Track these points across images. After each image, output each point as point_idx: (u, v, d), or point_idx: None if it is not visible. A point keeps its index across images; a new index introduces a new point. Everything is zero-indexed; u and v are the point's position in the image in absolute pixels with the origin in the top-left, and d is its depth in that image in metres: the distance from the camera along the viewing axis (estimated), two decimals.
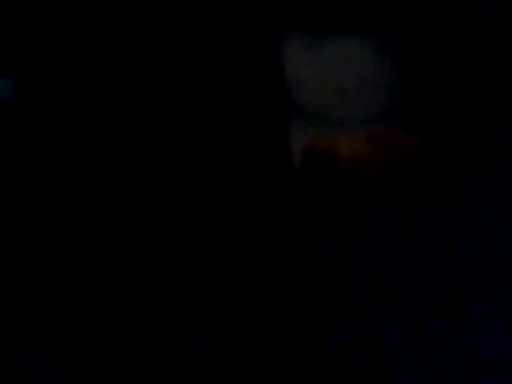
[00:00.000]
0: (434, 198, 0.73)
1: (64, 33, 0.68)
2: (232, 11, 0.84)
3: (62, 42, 0.68)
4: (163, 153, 0.75)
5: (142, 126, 0.74)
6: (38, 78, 0.67)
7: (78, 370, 0.33)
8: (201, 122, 0.80)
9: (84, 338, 0.36)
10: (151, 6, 0.75)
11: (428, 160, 0.76)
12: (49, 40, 0.68)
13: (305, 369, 0.31)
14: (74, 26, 0.69)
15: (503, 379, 0.28)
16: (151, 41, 0.76)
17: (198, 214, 0.65)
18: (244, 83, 0.84)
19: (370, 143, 0.74)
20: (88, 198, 0.65)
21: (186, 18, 0.80)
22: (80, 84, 0.70)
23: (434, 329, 0.33)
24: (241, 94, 0.84)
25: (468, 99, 1.05)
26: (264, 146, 0.83)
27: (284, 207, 0.68)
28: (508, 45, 1.03)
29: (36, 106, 0.66)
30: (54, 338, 0.37)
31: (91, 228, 0.60)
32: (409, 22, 0.99)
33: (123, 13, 0.72)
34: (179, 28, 0.79)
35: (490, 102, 1.05)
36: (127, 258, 0.53)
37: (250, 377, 0.30)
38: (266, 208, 0.68)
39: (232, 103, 0.84)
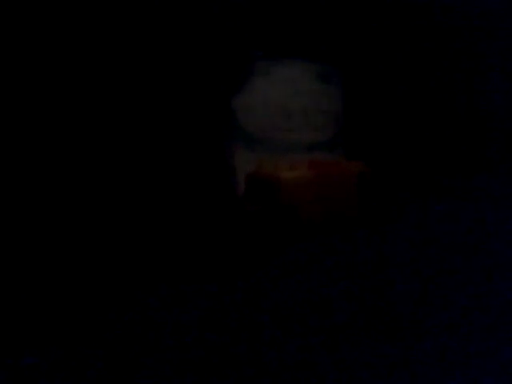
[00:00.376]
0: (375, 223, 0.74)
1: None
2: (180, 37, 0.84)
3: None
4: (102, 171, 0.74)
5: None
6: None
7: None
8: (145, 145, 0.79)
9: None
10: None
11: (370, 186, 0.77)
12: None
13: None
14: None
15: None
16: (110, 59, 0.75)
17: (135, 236, 0.64)
18: (189, 107, 0.83)
19: (313, 169, 0.75)
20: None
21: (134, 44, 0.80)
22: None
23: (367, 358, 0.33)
24: (186, 118, 0.83)
25: (409, 127, 1.09)
26: (208, 170, 0.83)
27: (226, 232, 0.68)
28: (444, 73, 1.08)
29: None
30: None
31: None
32: (351, 53, 1.02)
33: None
34: (130, 49, 0.79)
35: (429, 128, 1.09)
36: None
37: None
38: (207, 233, 0.67)
39: (177, 126, 0.83)
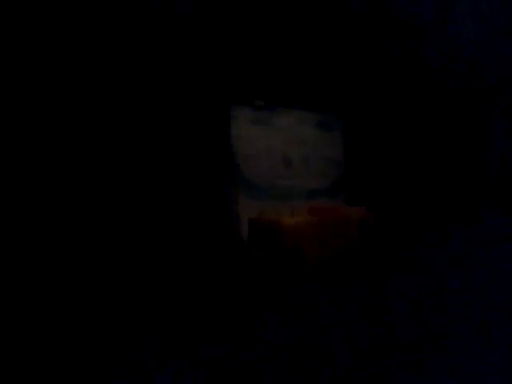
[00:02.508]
0: (376, 268, 0.74)
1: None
2: (184, 87, 0.87)
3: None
4: (114, 217, 0.75)
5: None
6: None
7: None
8: (153, 195, 0.80)
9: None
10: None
11: (370, 232, 0.78)
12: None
13: None
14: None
15: None
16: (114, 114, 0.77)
17: (145, 280, 0.64)
18: (194, 156, 0.85)
19: (315, 216, 0.76)
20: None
21: (141, 92, 0.82)
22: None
23: None
24: (190, 166, 0.85)
25: (410, 174, 1.10)
26: (213, 217, 0.84)
27: (231, 277, 0.68)
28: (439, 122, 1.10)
29: None
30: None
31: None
32: (351, 101, 1.05)
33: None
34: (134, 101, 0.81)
35: (429, 174, 1.11)
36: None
37: None
38: (212, 277, 0.68)
39: (183, 175, 0.85)
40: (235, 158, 0.89)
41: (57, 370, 0.42)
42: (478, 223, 0.92)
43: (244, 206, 0.88)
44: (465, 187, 1.07)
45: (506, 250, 0.80)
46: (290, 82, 0.99)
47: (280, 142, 0.95)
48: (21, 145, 0.69)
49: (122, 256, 0.72)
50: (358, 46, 1.05)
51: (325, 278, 0.68)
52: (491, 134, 1.05)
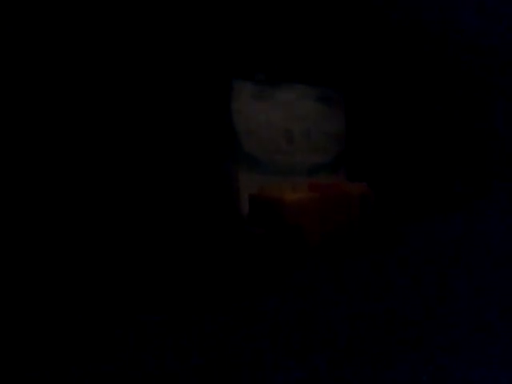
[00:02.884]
0: (377, 244, 0.74)
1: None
2: (184, 61, 0.85)
3: None
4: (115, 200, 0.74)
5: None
6: None
7: None
8: (151, 169, 0.80)
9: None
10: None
11: (371, 207, 0.78)
12: None
13: None
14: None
15: None
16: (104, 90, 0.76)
17: (137, 258, 0.64)
18: (194, 131, 0.84)
19: (316, 192, 0.75)
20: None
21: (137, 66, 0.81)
22: None
23: (370, 373, 0.33)
24: (191, 142, 0.84)
25: (411, 148, 1.09)
26: (212, 192, 0.83)
27: (231, 253, 0.68)
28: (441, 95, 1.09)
29: None
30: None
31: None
32: (353, 75, 1.03)
33: None
34: (134, 74, 0.80)
35: (431, 149, 1.10)
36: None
37: None
38: (212, 255, 0.67)
39: (183, 150, 0.84)
40: (236, 133, 0.88)
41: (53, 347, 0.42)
42: (480, 198, 0.92)
43: (245, 182, 0.87)
44: (467, 164, 1.07)
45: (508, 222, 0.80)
46: (292, 55, 0.98)
47: (281, 117, 0.94)
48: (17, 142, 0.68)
49: (119, 230, 0.72)
50: (359, 17, 1.03)
51: (326, 255, 0.68)
52: (492, 112, 1.04)
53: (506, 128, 1.03)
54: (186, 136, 0.82)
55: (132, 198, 0.76)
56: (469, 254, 0.68)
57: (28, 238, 0.66)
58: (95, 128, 0.73)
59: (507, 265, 0.61)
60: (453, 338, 0.41)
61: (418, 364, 0.36)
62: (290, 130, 0.94)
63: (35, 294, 0.54)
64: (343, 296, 0.52)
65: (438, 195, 1.06)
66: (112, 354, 0.40)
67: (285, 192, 0.73)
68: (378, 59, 1.05)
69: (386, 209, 0.83)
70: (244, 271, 0.60)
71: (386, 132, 1.10)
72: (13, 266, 0.62)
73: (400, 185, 1.08)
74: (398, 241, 0.77)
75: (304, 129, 0.96)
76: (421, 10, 1.07)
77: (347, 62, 1.03)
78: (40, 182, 0.68)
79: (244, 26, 0.94)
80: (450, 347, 0.39)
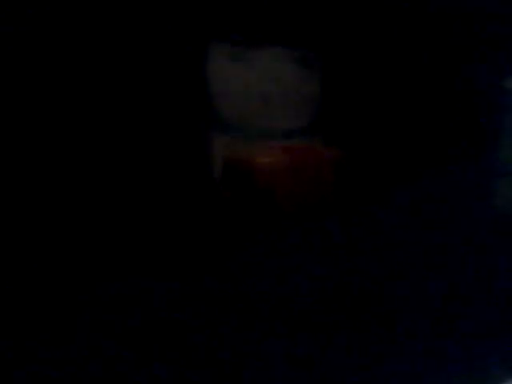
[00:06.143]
0: (351, 208, 0.74)
1: None
2: (158, 21, 0.83)
3: None
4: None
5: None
6: None
7: None
8: (121, 131, 0.78)
9: None
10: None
11: (346, 172, 0.78)
12: None
13: None
14: None
15: None
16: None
17: (106, 224, 0.63)
18: (165, 93, 0.82)
19: (289, 155, 0.74)
20: None
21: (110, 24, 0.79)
22: None
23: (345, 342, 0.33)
24: (162, 103, 0.83)
25: (389, 113, 1.09)
26: (184, 155, 0.82)
27: (202, 218, 0.68)
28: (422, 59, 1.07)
29: None
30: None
31: None
32: (330, 37, 1.01)
33: None
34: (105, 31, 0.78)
35: (409, 115, 1.09)
36: None
37: None
38: (183, 219, 0.67)
39: (154, 111, 0.82)
40: (210, 96, 0.86)
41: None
42: (457, 166, 0.91)
43: (219, 146, 0.86)
44: (448, 132, 1.06)
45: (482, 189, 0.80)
46: (268, 16, 0.95)
47: (257, 80, 0.92)
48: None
49: (92, 194, 0.71)
50: None
51: (297, 219, 0.68)
52: (474, 72, 1.03)
53: (490, 89, 1.02)
54: (157, 97, 0.80)
55: (102, 159, 0.74)
56: (441, 216, 0.68)
57: None
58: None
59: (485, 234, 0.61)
60: (426, 304, 0.41)
61: (393, 330, 0.35)
62: (265, 93, 0.92)
63: None
64: (310, 256, 0.52)
65: (420, 157, 1.06)
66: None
67: (256, 154, 0.72)
68: (356, 21, 1.03)
69: (362, 172, 0.83)
70: (210, 235, 0.60)
71: (364, 96, 1.09)
72: None
73: (379, 148, 1.07)
74: (371, 203, 0.77)
75: (280, 92, 0.94)
76: None
77: (325, 22, 1.01)
78: None
79: None
80: (422, 315, 0.39)
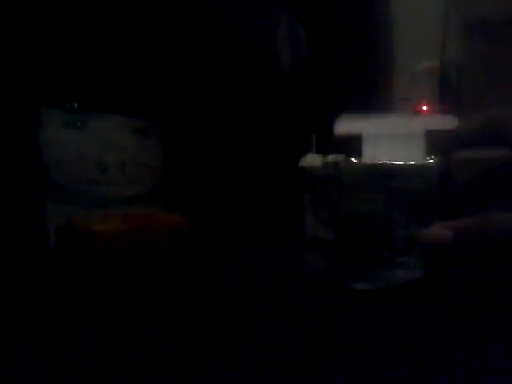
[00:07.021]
0: (192, 272, 0.75)
1: None
2: None
3: None
4: None
5: None
6: None
7: None
8: None
9: None
10: None
11: (185, 238, 0.79)
12: None
13: None
14: None
15: None
16: None
17: None
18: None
19: (126, 222, 0.74)
20: None
21: None
22: None
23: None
24: None
25: (227, 178, 1.14)
26: (16, 224, 0.77)
27: (38, 285, 0.65)
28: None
29: None
30: None
31: None
32: (169, 107, 1.05)
33: None
34: None
35: (248, 181, 1.15)
36: None
37: None
38: (16, 286, 0.63)
39: None
40: (43, 163, 0.83)
41: None
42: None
43: (53, 213, 0.82)
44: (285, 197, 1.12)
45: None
46: (106, 84, 0.96)
47: (95, 147, 0.92)
48: None
49: None
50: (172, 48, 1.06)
51: (138, 286, 0.67)
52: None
53: None
54: None
55: None
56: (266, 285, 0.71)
57: None
58: None
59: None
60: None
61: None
62: (103, 161, 0.92)
63: None
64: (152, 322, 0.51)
65: (257, 225, 1.11)
66: None
67: (94, 223, 0.70)
68: (195, 91, 1.09)
69: (202, 238, 0.85)
70: (51, 301, 0.57)
71: (205, 162, 1.13)
72: None
73: (219, 214, 1.11)
74: (213, 268, 0.79)
75: (119, 160, 0.94)
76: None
77: (162, 94, 1.05)
78: None
79: (53, 51, 0.91)
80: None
